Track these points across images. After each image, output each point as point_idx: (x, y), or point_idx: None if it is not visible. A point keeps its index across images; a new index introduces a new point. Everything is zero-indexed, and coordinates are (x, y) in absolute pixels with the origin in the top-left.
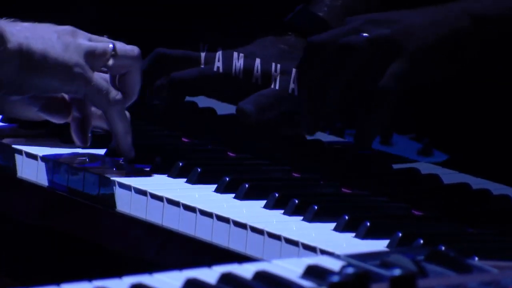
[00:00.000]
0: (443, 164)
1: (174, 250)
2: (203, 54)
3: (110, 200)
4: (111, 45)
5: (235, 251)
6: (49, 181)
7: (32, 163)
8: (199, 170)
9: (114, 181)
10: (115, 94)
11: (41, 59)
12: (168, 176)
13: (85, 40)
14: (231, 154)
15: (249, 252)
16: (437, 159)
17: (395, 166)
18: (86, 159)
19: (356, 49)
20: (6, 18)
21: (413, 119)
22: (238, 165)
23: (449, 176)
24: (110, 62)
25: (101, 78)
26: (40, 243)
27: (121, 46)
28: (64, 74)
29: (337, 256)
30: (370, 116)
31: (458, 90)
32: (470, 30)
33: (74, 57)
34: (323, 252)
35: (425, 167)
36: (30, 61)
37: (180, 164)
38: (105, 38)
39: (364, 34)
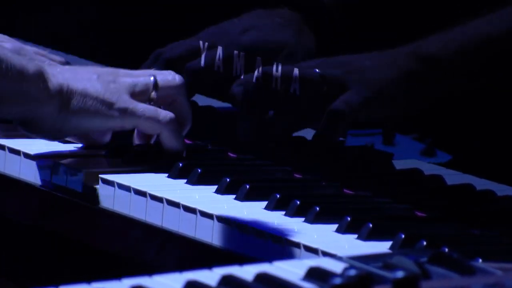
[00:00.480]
0: (446, 165)
1: (174, 252)
2: (202, 45)
3: (109, 201)
4: (152, 78)
5: (236, 253)
6: (47, 182)
7: (30, 164)
8: (199, 171)
9: (113, 181)
10: (165, 114)
11: (81, 99)
12: (168, 177)
13: (125, 78)
14: (231, 154)
15: (250, 253)
16: (440, 159)
17: (398, 167)
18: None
19: (309, 81)
20: (46, 63)
21: (416, 119)
22: (238, 165)
23: (453, 177)
24: (153, 95)
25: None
26: (39, 245)
27: (162, 77)
28: (105, 112)
29: (339, 258)
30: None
31: (461, 91)
32: (420, 71)
33: (115, 94)
34: (325, 254)
35: (428, 168)
36: (70, 101)
37: (180, 164)
38: (146, 71)
39: (317, 70)
